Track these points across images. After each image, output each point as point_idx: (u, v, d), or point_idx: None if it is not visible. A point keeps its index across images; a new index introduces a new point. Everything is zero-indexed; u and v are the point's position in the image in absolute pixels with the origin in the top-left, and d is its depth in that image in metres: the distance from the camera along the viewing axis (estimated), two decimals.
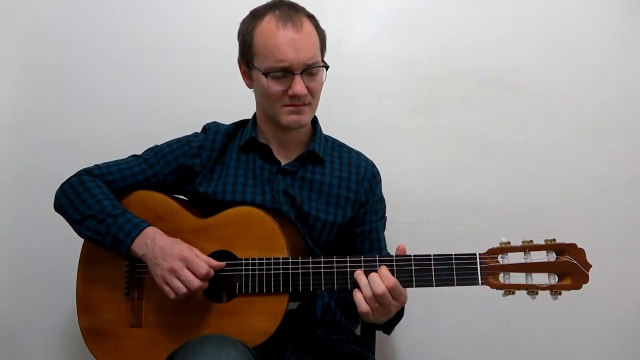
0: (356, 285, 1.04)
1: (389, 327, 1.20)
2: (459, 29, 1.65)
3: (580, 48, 1.63)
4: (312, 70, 1.16)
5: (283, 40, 1.13)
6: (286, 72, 1.15)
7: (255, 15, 1.19)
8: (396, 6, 1.67)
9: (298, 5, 1.21)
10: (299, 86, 1.14)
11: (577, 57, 1.63)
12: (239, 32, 1.23)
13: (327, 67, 1.21)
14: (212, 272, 1.10)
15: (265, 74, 1.15)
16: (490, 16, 1.65)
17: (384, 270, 1.03)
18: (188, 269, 1.08)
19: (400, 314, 1.14)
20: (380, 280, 1.01)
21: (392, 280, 1.01)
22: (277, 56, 1.14)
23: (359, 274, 1.04)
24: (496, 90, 1.64)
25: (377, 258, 1.07)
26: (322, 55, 1.22)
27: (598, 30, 1.63)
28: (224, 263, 1.11)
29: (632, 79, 1.61)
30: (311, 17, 1.21)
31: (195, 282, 1.07)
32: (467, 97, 1.64)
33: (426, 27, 1.66)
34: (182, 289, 1.07)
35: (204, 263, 1.09)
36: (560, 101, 1.63)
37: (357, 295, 1.03)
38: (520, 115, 1.63)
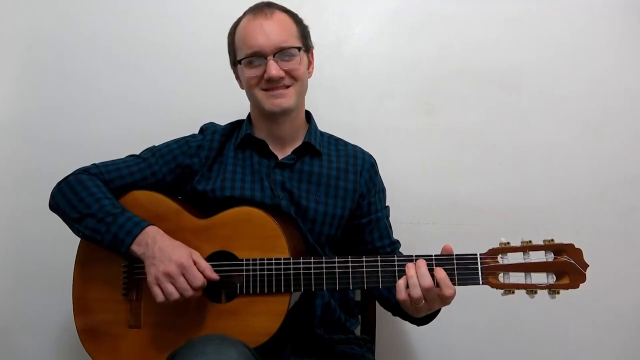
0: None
1: (425, 320, 1.16)
2: (459, 29, 1.65)
3: (580, 48, 1.63)
4: (286, 52, 1.21)
5: (253, 29, 1.21)
6: (260, 57, 1.21)
7: (238, 20, 1.28)
8: (396, 6, 1.67)
9: (275, 3, 1.28)
10: (272, 69, 1.19)
11: (577, 57, 1.63)
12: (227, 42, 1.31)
13: (307, 50, 1.28)
14: (205, 284, 1.09)
15: (242, 63, 1.23)
16: (490, 16, 1.65)
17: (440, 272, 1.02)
18: (184, 276, 1.07)
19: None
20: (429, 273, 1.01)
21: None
22: (249, 43, 1.21)
23: (410, 266, 1.03)
24: (496, 90, 1.64)
25: (379, 258, 1.07)
26: (305, 44, 1.26)
27: (598, 30, 1.63)
28: (217, 276, 1.10)
29: (632, 79, 1.61)
30: (286, 11, 1.27)
31: (189, 292, 1.07)
32: (467, 97, 1.64)
33: (426, 27, 1.66)
34: (175, 295, 1.07)
35: (201, 275, 1.08)
36: (560, 101, 1.63)
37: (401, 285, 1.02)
38: (520, 115, 1.63)
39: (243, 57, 1.23)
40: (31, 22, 1.71)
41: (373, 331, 1.43)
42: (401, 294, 1.02)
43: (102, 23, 1.70)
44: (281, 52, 1.20)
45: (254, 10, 1.25)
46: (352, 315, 1.36)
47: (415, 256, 1.06)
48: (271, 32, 1.20)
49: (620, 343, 1.59)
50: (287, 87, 1.22)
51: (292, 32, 1.24)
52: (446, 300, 1.02)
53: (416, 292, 1.01)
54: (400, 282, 1.03)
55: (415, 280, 1.01)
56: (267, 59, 1.19)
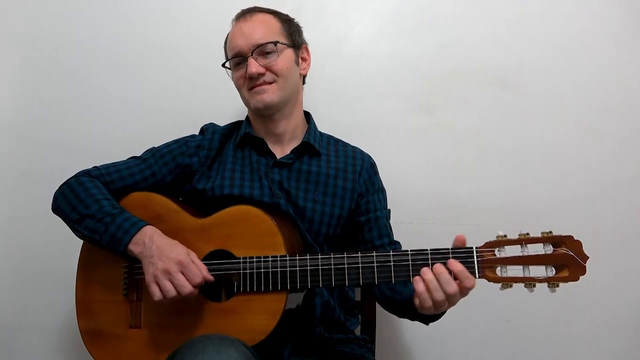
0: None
1: (434, 318, 1.15)
2: (459, 29, 1.65)
3: (580, 48, 1.63)
4: (264, 48, 1.23)
5: (235, 33, 1.27)
6: (241, 58, 1.25)
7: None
8: (396, 6, 1.67)
9: (258, 6, 1.30)
10: (252, 66, 1.22)
11: (577, 57, 1.63)
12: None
13: (296, 47, 1.28)
14: (204, 282, 1.09)
15: (230, 66, 1.29)
16: (490, 16, 1.65)
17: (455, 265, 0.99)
18: (182, 274, 1.07)
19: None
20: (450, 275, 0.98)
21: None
22: (231, 46, 1.27)
23: (426, 271, 1.00)
24: (496, 90, 1.64)
25: (375, 254, 1.06)
26: (291, 40, 1.28)
27: (598, 29, 1.63)
28: (212, 278, 1.10)
29: (632, 78, 1.61)
30: (270, 11, 1.29)
31: (188, 288, 1.07)
32: (467, 97, 1.64)
33: (426, 27, 1.66)
34: (172, 292, 1.07)
35: (199, 272, 1.08)
36: (560, 101, 1.63)
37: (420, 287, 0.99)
38: (520, 115, 1.63)
39: (227, 60, 1.28)
40: (31, 22, 1.71)
41: (373, 331, 1.43)
42: (427, 301, 0.99)
43: (102, 23, 1.70)
44: (259, 49, 1.22)
45: (238, 16, 1.30)
46: (352, 315, 1.36)
47: (411, 250, 1.04)
48: (249, 32, 1.23)
49: (620, 343, 1.58)
50: (270, 83, 1.24)
51: (273, 29, 1.26)
52: (466, 292, 1.00)
53: (439, 296, 0.98)
54: (422, 289, 0.99)
55: (436, 284, 0.99)
56: (247, 58, 1.22)
